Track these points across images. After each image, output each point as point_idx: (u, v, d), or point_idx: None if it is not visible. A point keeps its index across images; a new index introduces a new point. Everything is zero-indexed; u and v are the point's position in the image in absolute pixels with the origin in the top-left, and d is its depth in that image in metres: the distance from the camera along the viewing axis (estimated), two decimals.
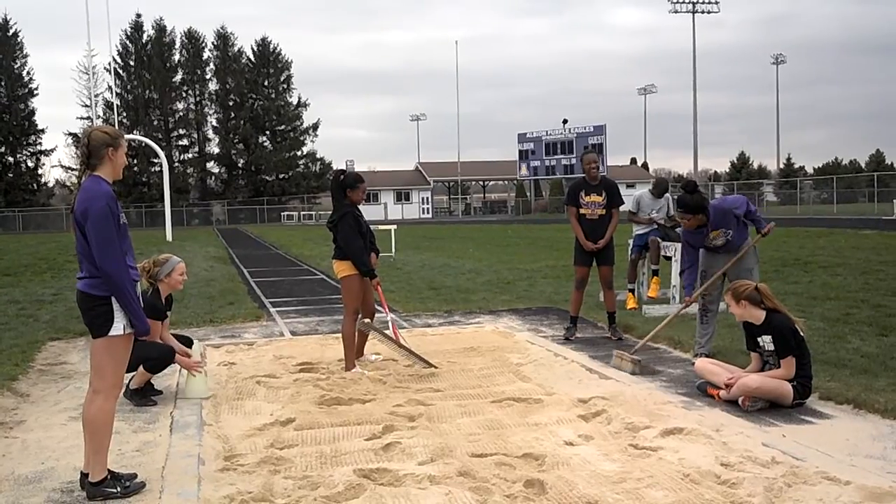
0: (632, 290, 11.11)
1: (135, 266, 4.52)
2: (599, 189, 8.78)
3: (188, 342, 6.96)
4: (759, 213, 7.61)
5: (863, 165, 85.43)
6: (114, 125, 44.68)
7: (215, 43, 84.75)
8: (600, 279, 8.96)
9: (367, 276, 7.34)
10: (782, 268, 14.63)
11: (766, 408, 5.78)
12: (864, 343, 7.77)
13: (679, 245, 9.70)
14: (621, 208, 8.96)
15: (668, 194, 11.74)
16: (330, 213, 7.57)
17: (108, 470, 4.43)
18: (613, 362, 7.37)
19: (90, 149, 4.35)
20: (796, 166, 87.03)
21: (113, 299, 4.31)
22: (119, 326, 4.34)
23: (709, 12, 71.77)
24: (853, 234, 24.04)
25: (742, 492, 4.18)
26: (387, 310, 7.89)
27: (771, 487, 4.21)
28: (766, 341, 6.00)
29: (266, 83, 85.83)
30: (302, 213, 75.59)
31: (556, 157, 68.00)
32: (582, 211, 8.81)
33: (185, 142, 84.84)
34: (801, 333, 6.00)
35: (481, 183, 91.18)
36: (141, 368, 6.31)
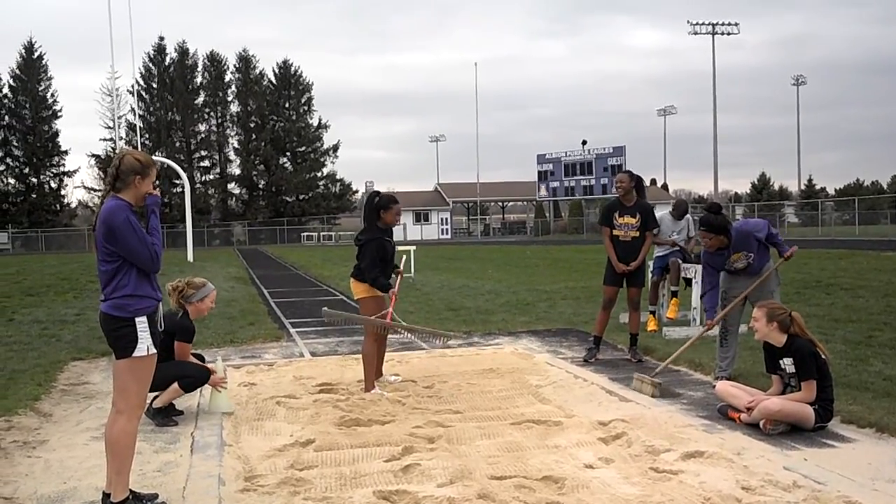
0: (653, 313, 11.07)
1: (158, 288, 4.56)
2: (634, 211, 8.77)
3: (200, 359, 7.04)
4: (780, 237, 7.59)
5: (885, 187, 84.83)
6: (136, 147, 45.19)
7: (237, 65, 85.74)
8: (628, 300, 8.93)
9: (383, 291, 7.36)
10: (803, 289, 14.54)
11: (787, 431, 5.74)
12: (886, 366, 7.70)
13: (699, 267, 9.68)
14: None
15: (688, 216, 11.72)
16: (359, 231, 7.56)
17: (130, 490, 4.46)
18: (634, 385, 7.34)
19: (119, 172, 4.41)
20: (817, 187, 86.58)
21: (136, 321, 4.36)
22: (143, 347, 4.38)
23: (728, 34, 71.83)
24: (875, 256, 23.85)
25: None
26: (391, 309, 7.55)
27: None
28: (786, 364, 5.97)
29: (287, 105, 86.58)
30: (322, 233, 75.95)
31: (575, 177, 67.98)
32: (615, 233, 8.80)
33: (206, 163, 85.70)
34: (824, 357, 5.97)
35: (500, 204, 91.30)
36: (174, 386, 6.37)
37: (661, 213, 11.80)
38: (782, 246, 7.50)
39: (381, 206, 7.38)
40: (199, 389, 6.92)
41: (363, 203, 7.62)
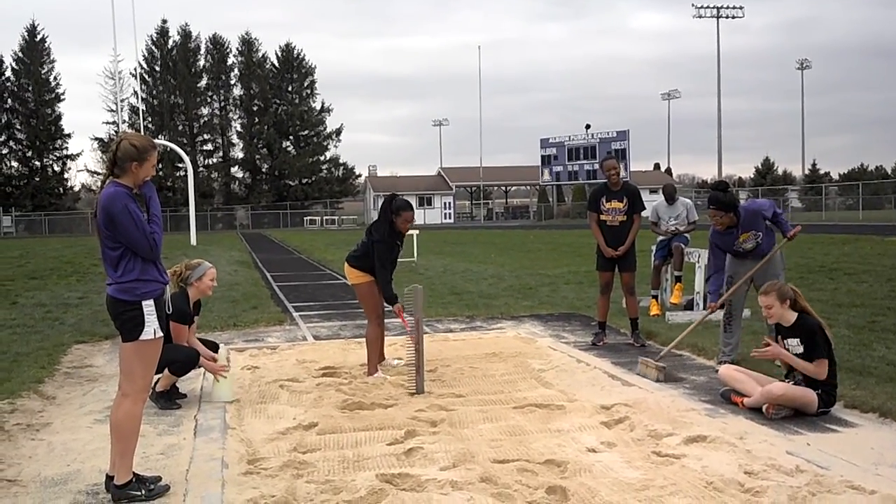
0: (655, 297, 11.06)
1: (163, 272, 4.56)
2: (621, 195, 8.75)
3: (214, 347, 7.01)
4: (784, 217, 7.58)
5: (889, 171, 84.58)
6: (139, 130, 45.11)
7: (240, 48, 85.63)
8: (622, 285, 8.92)
9: (389, 302, 7.32)
10: (807, 274, 14.52)
11: (790, 416, 5.74)
12: (889, 351, 7.69)
13: (704, 252, 9.65)
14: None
15: (683, 198, 11.66)
16: (373, 224, 7.48)
17: (133, 473, 4.47)
18: (639, 369, 7.33)
19: (116, 158, 4.40)
20: (821, 172, 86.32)
21: (143, 304, 4.37)
22: (150, 331, 4.39)
23: (733, 17, 71.43)
24: (879, 241, 23.79)
25: (766, 500, 4.16)
26: (408, 326, 7.27)
27: (795, 496, 4.18)
28: (792, 344, 5.96)
29: (290, 88, 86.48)
30: (325, 217, 75.96)
31: (578, 162, 67.81)
32: (602, 217, 8.79)
33: (209, 147, 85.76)
34: (830, 339, 5.96)
35: (503, 188, 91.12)
36: (166, 371, 6.36)
37: (657, 201, 11.76)
38: (785, 225, 7.48)
39: (392, 211, 7.33)
40: (203, 373, 6.93)
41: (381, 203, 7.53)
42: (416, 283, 7.23)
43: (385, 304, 7.52)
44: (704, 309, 10.09)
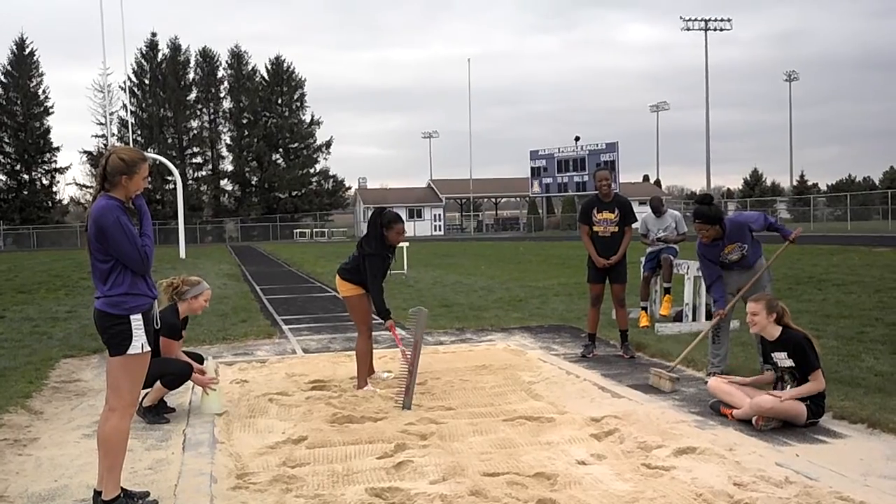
0: (644, 308, 11.07)
1: (152, 286, 4.55)
2: (612, 206, 8.77)
3: (199, 359, 6.98)
4: (780, 223, 7.62)
5: (877, 182, 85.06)
6: (128, 143, 45.06)
7: (229, 61, 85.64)
8: (612, 297, 8.93)
9: (383, 318, 7.30)
10: (796, 285, 14.57)
11: (779, 427, 5.75)
12: (878, 362, 7.72)
13: (693, 263, 9.68)
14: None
15: (672, 211, 11.70)
16: (364, 237, 7.45)
17: (121, 488, 4.45)
18: (651, 380, 7.31)
19: (106, 172, 4.40)
20: (810, 183, 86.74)
21: (131, 318, 4.36)
22: (137, 345, 4.37)
23: (721, 29, 71.91)
24: (867, 252, 23.90)
25: None
26: (400, 344, 7.28)
27: None
28: (780, 358, 5.98)
29: (279, 101, 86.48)
30: (314, 230, 75.93)
31: (568, 174, 67.95)
32: (594, 228, 8.80)
33: (198, 159, 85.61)
34: (817, 350, 5.98)
35: (493, 200, 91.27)
36: (157, 384, 6.34)
37: (645, 214, 11.80)
38: (784, 229, 7.50)
39: (383, 225, 7.33)
40: (191, 387, 6.90)
41: (369, 218, 7.54)
42: (421, 307, 7.24)
43: (375, 318, 7.51)
44: (693, 320, 10.14)
